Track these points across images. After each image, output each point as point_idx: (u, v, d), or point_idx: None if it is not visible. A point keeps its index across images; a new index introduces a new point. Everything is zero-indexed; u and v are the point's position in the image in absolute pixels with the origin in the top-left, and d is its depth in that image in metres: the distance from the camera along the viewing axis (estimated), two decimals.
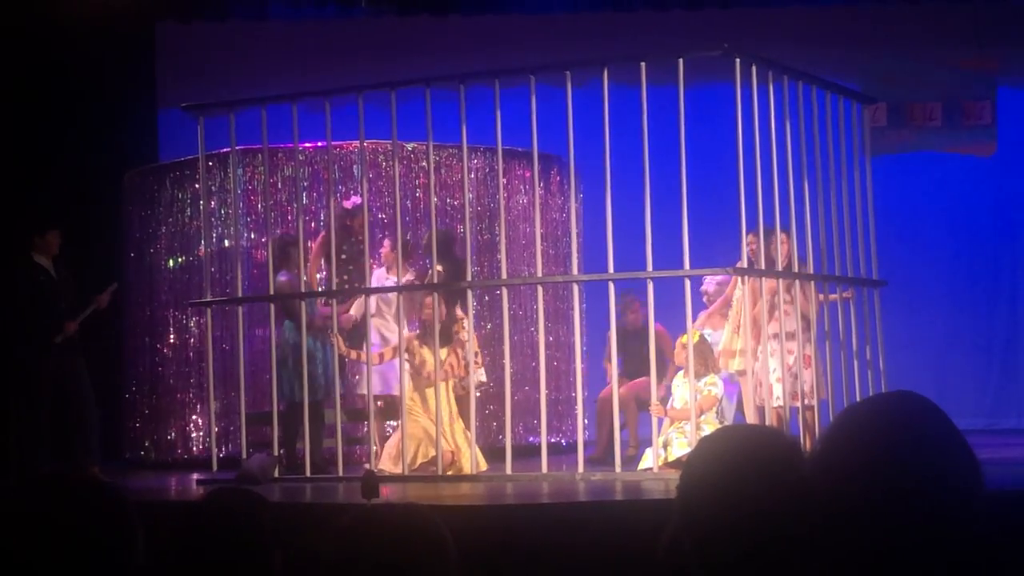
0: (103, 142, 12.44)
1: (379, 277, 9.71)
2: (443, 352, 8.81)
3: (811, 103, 8.78)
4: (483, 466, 8.86)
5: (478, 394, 9.25)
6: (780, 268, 8.50)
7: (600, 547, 5.89)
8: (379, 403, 9.52)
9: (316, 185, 10.75)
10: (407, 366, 8.87)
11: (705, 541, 2.02)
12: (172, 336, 11.26)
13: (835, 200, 8.96)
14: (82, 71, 12.36)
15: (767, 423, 8.03)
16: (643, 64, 8.08)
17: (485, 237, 11.03)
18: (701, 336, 8.76)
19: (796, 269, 8.65)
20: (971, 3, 13.27)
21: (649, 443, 8.79)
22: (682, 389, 8.70)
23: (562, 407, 11.27)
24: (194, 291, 10.50)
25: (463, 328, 9.18)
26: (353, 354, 9.23)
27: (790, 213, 8.43)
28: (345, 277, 9.85)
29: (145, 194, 11.52)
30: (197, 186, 10.24)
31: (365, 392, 9.38)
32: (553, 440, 10.31)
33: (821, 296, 8.93)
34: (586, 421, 9.68)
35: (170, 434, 11.21)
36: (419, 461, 8.79)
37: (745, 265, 8.43)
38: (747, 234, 8.27)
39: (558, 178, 11.42)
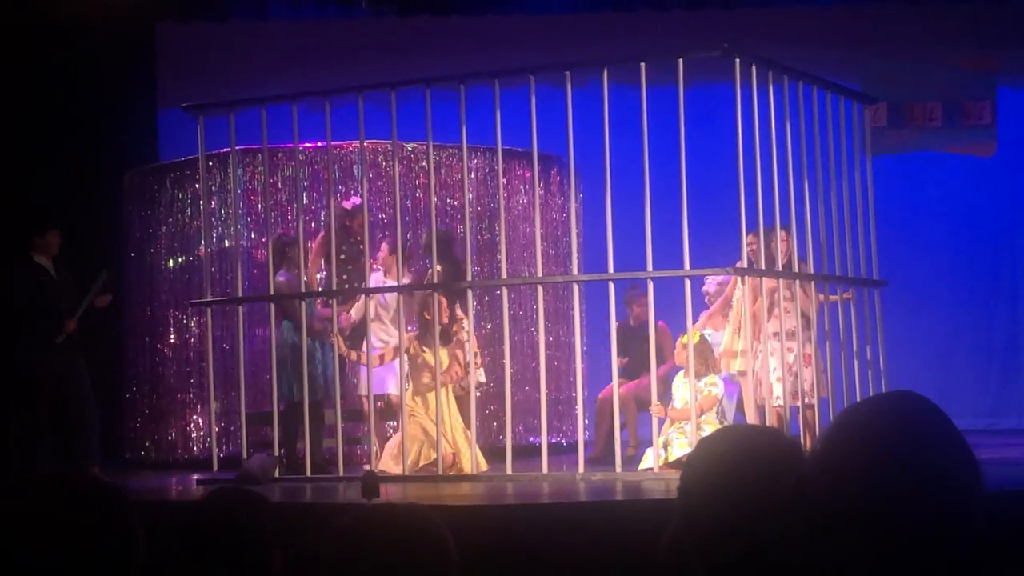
0: (103, 142, 12.44)
1: (376, 281, 9.70)
2: (444, 359, 8.80)
3: (811, 103, 8.78)
4: (483, 466, 8.86)
5: (478, 394, 9.25)
6: (780, 265, 8.50)
7: (600, 547, 5.89)
8: (379, 403, 9.51)
9: (316, 185, 10.75)
10: (407, 368, 8.87)
11: (705, 541, 2.02)
12: (172, 336, 11.26)
13: (836, 200, 8.96)
14: (82, 71, 12.36)
15: (767, 422, 8.03)
16: (643, 64, 8.08)
17: (485, 237, 11.03)
18: (701, 336, 8.76)
19: (796, 267, 8.65)
20: (971, 3, 13.27)
21: (649, 443, 8.78)
22: (682, 389, 8.70)
23: (562, 407, 11.27)
24: (194, 291, 10.51)
25: (463, 329, 9.18)
26: (353, 355, 9.23)
27: (790, 213, 8.43)
28: (344, 277, 9.85)
29: (145, 194, 11.52)
30: (197, 186, 10.24)
31: (362, 393, 9.39)
32: (553, 440, 10.31)
33: (821, 296, 8.93)
34: (586, 421, 9.69)
35: (170, 434, 11.21)
36: (420, 463, 8.80)
37: (745, 265, 8.43)
38: (747, 234, 8.27)
39: (558, 178, 11.42)
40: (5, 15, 11.90)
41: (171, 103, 11.73)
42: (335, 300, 8.98)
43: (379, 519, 2.30)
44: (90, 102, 12.43)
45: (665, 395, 9.11)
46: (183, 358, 11.20)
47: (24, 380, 9.25)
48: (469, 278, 9.11)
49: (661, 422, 8.68)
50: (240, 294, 9.27)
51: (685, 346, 8.39)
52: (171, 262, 11.33)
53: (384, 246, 9.81)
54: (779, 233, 8.49)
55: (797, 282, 8.54)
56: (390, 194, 10.28)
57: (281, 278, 9.25)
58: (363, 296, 9.38)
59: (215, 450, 9.11)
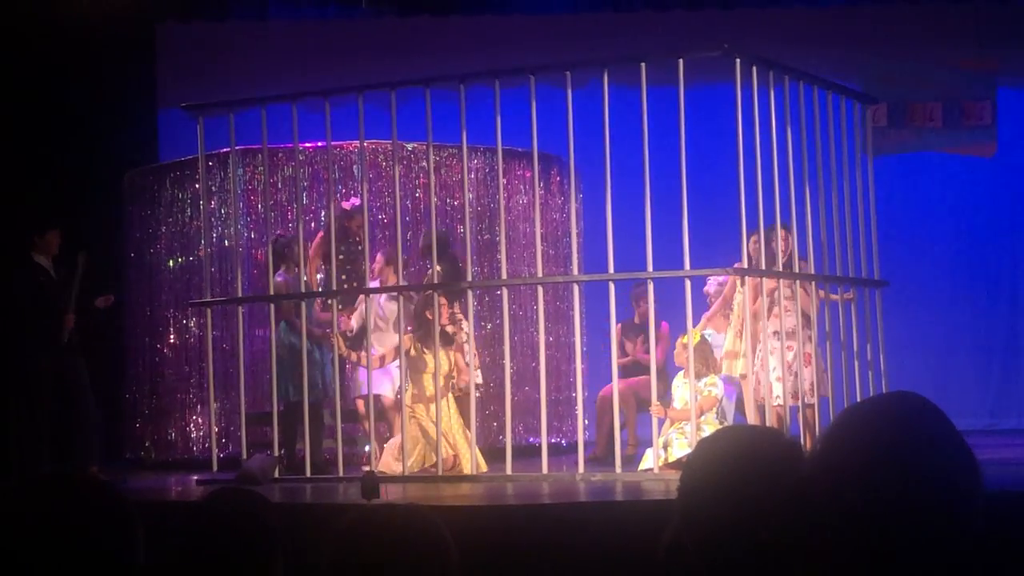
0: (103, 142, 12.44)
1: None
2: (444, 363, 8.81)
3: (812, 103, 8.78)
4: (483, 467, 8.86)
5: (478, 394, 9.25)
6: (781, 263, 8.49)
7: (600, 547, 5.89)
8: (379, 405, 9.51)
9: (316, 185, 10.75)
10: (409, 371, 8.88)
11: (705, 541, 2.02)
12: (172, 336, 11.26)
13: (836, 200, 8.95)
14: (82, 71, 12.36)
15: (767, 422, 8.03)
16: (643, 64, 8.08)
17: (485, 237, 11.03)
18: (702, 336, 8.76)
19: (796, 265, 8.65)
20: (971, 3, 13.28)
21: (649, 443, 8.78)
22: (682, 390, 8.70)
23: (562, 407, 11.27)
24: (194, 291, 10.51)
25: (462, 330, 9.18)
26: (353, 356, 9.23)
27: (791, 213, 8.43)
28: (343, 277, 9.84)
29: (145, 194, 11.52)
30: (197, 186, 10.24)
31: (357, 394, 9.39)
32: (553, 440, 10.31)
33: (822, 293, 8.92)
34: (586, 421, 9.68)
35: (170, 434, 11.21)
36: (423, 465, 8.80)
37: (745, 265, 8.42)
38: (748, 235, 8.26)
39: (558, 178, 11.42)
40: (5, 15, 11.90)
41: (171, 103, 11.72)
42: (335, 301, 8.97)
43: (379, 519, 2.31)
44: (90, 102, 12.43)
45: (665, 395, 9.11)
46: (183, 358, 11.20)
47: (24, 380, 9.25)
48: (469, 278, 9.12)
49: (661, 422, 8.68)
50: (240, 294, 9.27)
51: (685, 346, 8.38)
52: (171, 262, 11.33)
53: (379, 256, 9.78)
54: (779, 231, 8.49)
55: (797, 281, 8.54)
56: (390, 194, 10.28)
57: (279, 279, 9.25)
58: (363, 302, 9.37)
59: (215, 450, 9.11)
